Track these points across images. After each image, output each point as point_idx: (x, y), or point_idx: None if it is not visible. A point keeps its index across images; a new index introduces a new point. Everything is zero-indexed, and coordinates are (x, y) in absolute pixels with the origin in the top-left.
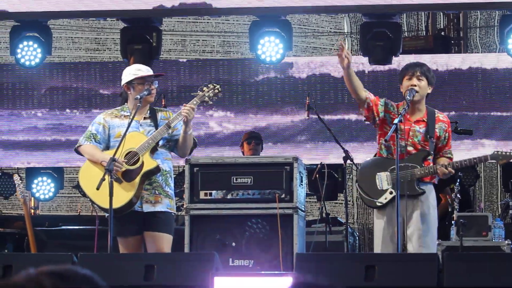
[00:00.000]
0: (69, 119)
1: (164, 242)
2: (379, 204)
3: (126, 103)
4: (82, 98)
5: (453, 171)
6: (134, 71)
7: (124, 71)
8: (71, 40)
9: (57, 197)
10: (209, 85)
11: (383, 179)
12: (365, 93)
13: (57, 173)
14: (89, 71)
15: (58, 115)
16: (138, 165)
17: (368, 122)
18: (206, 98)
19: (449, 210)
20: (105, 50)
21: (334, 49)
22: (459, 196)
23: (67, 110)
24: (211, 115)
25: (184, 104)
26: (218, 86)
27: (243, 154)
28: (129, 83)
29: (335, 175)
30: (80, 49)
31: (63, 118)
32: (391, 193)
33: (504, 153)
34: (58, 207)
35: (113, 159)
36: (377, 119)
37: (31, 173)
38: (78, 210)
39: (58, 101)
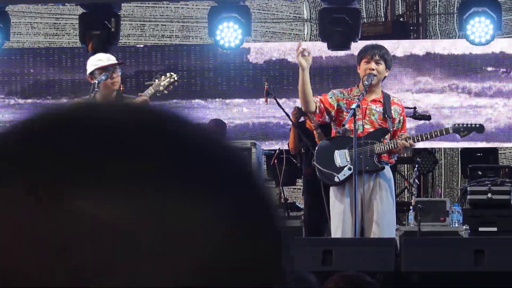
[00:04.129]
0: (27, 105)
1: None
2: (337, 180)
3: (94, 93)
4: (40, 84)
5: (414, 144)
6: (95, 61)
7: (88, 61)
8: (30, 25)
9: None
10: (166, 74)
11: (341, 156)
12: (314, 103)
13: None
14: (48, 56)
15: (15, 100)
16: None
17: (326, 122)
18: (161, 88)
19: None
20: (64, 36)
21: (297, 37)
22: (417, 182)
23: (25, 97)
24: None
25: (139, 94)
26: (174, 75)
27: None
28: (92, 73)
29: (294, 160)
30: (39, 34)
31: (21, 104)
32: (349, 169)
33: (465, 125)
34: None
35: None
36: (332, 112)
37: None
38: None
39: (17, 87)
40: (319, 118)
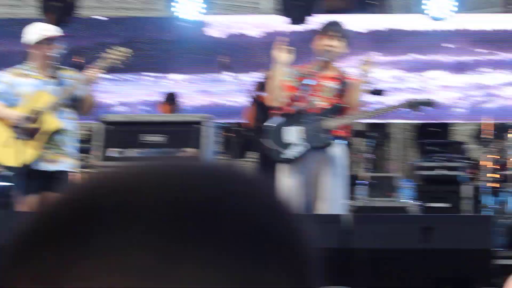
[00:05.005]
0: None
1: None
2: (288, 157)
3: (28, 61)
4: (1, 56)
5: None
6: (40, 30)
7: (29, 28)
8: None
9: None
10: (117, 48)
11: (291, 133)
12: (281, 100)
13: None
14: (8, 28)
15: None
16: (42, 124)
17: None
18: (114, 61)
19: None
20: (25, 7)
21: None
22: (370, 156)
23: None
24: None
25: (87, 66)
26: (125, 49)
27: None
28: (40, 42)
29: (247, 133)
30: (0, 6)
31: None
32: (299, 145)
33: (417, 100)
34: None
35: (23, 117)
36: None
37: None
38: None
39: None
40: (288, 107)
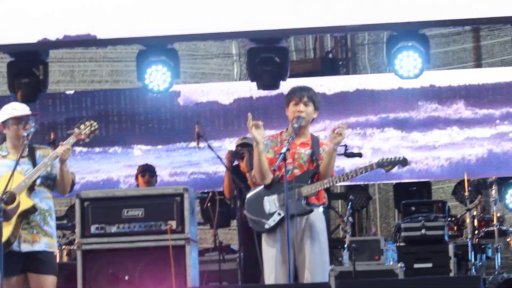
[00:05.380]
0: None
1: (49, 283)
2: (268, 227)
3: (4, 143)
4: None
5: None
6: (10, 110)
7: (1, 110)
8: None
9: None
10: (86, 123)
11: (270, 202)
12: (271, 175)
13: None
14: None
15: None
16: (14, 205)
17: None
18: (83, 136)
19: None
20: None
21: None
22: (351, 219)
23: None
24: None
25: (60, 143)
26: (94, 124)
27: (138, 187)
28: (4, 122)
29: (227, 202)
30: None
31: None
32: (279, 214)
33: (389, 159)
34: None
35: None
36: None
37: None
38: None
39: None
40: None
